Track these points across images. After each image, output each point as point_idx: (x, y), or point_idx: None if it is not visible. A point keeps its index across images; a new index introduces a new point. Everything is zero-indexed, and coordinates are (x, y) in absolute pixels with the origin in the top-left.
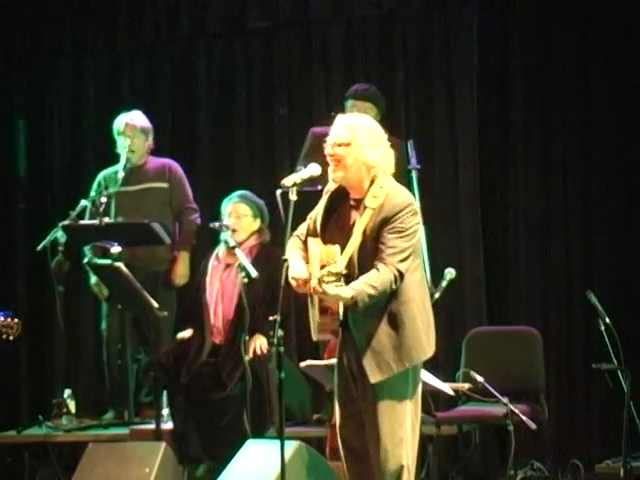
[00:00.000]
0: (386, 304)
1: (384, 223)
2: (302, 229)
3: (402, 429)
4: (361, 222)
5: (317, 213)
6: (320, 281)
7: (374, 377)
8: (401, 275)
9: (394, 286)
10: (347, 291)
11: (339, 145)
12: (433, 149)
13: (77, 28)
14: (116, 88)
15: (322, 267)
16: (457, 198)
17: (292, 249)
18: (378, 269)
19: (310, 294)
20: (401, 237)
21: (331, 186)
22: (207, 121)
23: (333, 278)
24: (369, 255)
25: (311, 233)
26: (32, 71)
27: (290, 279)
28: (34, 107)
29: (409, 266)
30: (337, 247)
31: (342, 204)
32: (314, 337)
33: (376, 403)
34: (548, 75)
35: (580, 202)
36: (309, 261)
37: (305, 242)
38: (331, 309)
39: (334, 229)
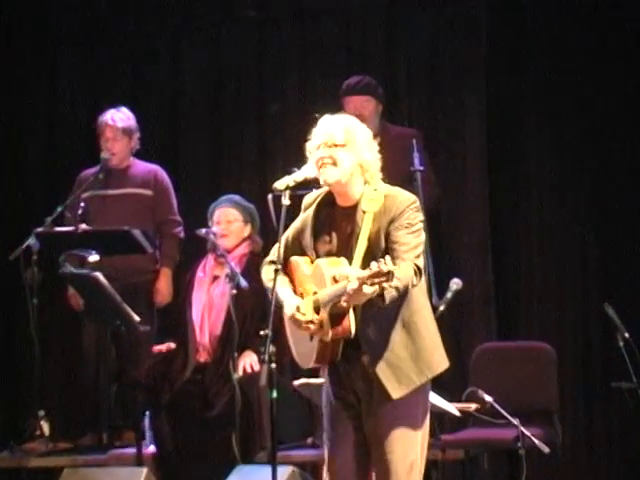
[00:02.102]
0: (397, 313)
1: (391, 223)
2: (275, 252)
3: (414, 452)
4: (364, 228)
5: (299, 228)
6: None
7: (396, 392)
8: (420, 271)
9: (415, 282)
10: (367, 287)
11: (335, 146)
12: (438, 147)
13: (55, 17)
14: (96, 83)
15: (334, 279)
16: (464, 201)
17: (271, 281)
18: (397, 265)
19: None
20: (412, 233)
21: (310, 198)
22: (193, 119)
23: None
24: (376, 260)
25: (292, 252)
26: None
27: (293, 320)
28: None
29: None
30: (343, 259)
31: (329, 214)
32: (308, 364)
33: (389, 424)
34: (563, 63)
35: (598, 208)
36: (317, 280)
37: (285, 267)
38: (343, 327)
39: (325, 243)
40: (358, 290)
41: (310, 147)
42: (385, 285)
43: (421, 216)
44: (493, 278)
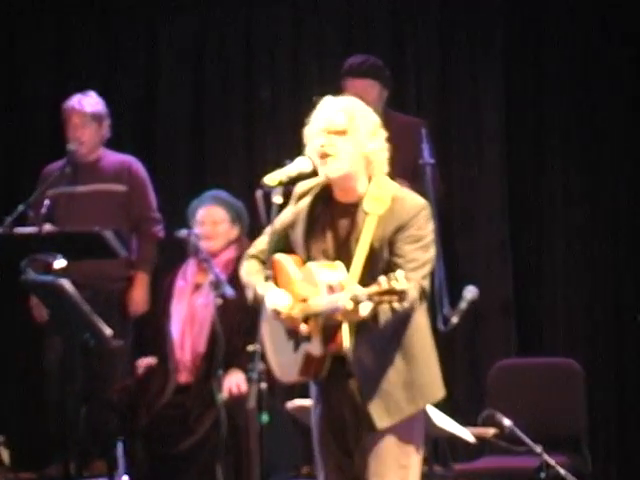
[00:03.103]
0: (394, 333)
1: (397, 231)
2: (260, 246)
3: None
4: (366, 231)
5: (290, 222)
6: (354, 300)
7: (382, 422)
8: (425, 294)
9: (417, 305)
10: (367, 305)
11: (335, 133)
12: (451, 139)
13: None
14: (64, 67)
15: (330, 288)
16: (480, 198)
17: (254, 275)
18: None
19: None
20: (421, 248)
21: (304, 186)
22: (172, 105)
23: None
24: (377, 271)
25: (277, 248)
26: None
27: (275, 312)
28: None
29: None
30: (339, 263)
31: (325, 209)
32: (288, 378)
33: (378, 455)
34: (588, 48)
35: (631, 208)
36: (309, 286)
37: (269, 262)
38: (335, 342)
39: (319, 242)
40: (354, 309)
41: (307, 134)
42: (395, 305)
43: (432, 225)
44: (513, 286)
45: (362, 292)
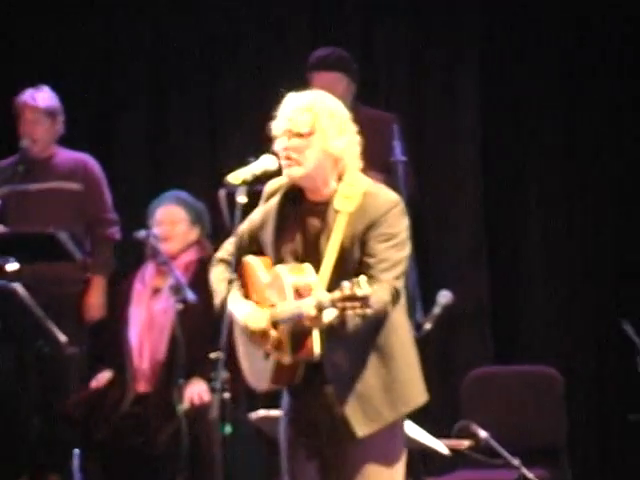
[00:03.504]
0: (370, 334)
1: (369, 229)
2: (228, 248)
3: None
4: (336, 230)
5: (259, 222)
6: (317, 308)
7: (362, 430)
8: (398, 296)
9: (390, 308)
10: (331, 311)
11: (299, 135)
12: (424, 134)
13: None
14: (13, 58)
15: (297, 292)
16: (454, 198)
17: (223, 283)
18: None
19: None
20: (394, 246)
21: (274, 185)
22: (129, 99)
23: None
24: (348, 272)
25: (246, 250)
26: None
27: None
28: None
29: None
30: (308, 265)
31: (294, 209)
32: (261, 386)
33: (356, 466)
34: (568, 44)
35: (611, 210)
36: (276, 291)
37: (237, 268)
38: (305, 349)
39: (289, 242)
40: (317, 317)
41: (273, 131)
42: (358, 312)
43: (406, 222)
44: (489, 290)
45: (326, 298)
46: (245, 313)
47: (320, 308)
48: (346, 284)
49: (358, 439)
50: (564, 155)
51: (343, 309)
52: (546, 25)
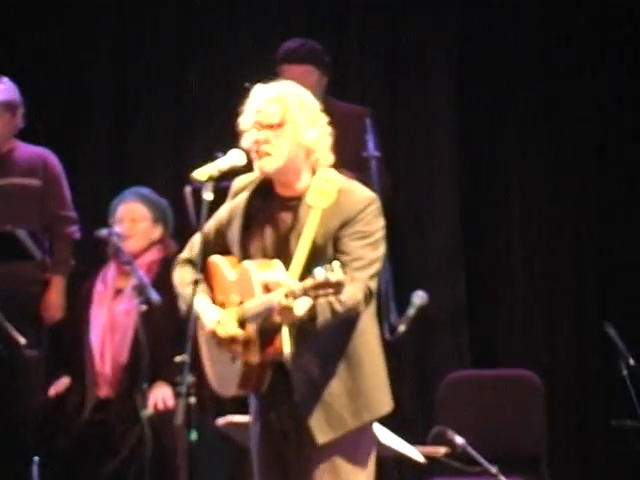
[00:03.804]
0: (339, 338)
1: (343, 226)
2: (193, 247)
3: None
4: (309, 226)
5: (226, 219)
6: (289, 296)
7: (322, 436)
8: (371, 296)
9: (362, 308)
10: (303, 301)
11: (269, 127)
12: (397, 129)
13: None
14: None
15: (266, 288)
16: (429, 195)
17: (188, 286)
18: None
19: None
20: (369, 245)
21: (243, 181)
22: (91, 92)
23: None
24: None
25: (213, 248)
26: None
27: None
28: None
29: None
30: (277, 262)
31: (264, 204)
32: (229, 392)
33: (320, 472)
34: (548, 35)
35: (594, 209)
36: (244, 287)
37: (203, 268)
38: (274, 347)
39: (257, 239)
40: (289, 307)
41: (241, 125)
42: (331, 299)
43: (382, 221)
44: (466, 291)
45: (297, 286)
46: (212, 319)
47: (292, 296)
48: (318, 270)
49: (320, 445)
50: (545, 153)
51: (315, 297)
52: (524, 25)
